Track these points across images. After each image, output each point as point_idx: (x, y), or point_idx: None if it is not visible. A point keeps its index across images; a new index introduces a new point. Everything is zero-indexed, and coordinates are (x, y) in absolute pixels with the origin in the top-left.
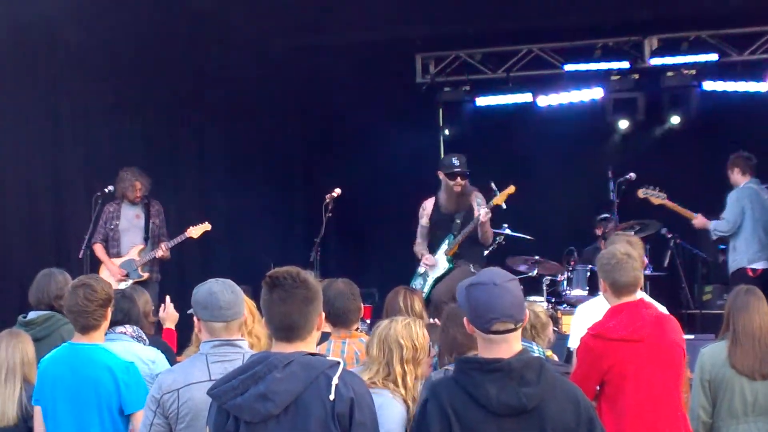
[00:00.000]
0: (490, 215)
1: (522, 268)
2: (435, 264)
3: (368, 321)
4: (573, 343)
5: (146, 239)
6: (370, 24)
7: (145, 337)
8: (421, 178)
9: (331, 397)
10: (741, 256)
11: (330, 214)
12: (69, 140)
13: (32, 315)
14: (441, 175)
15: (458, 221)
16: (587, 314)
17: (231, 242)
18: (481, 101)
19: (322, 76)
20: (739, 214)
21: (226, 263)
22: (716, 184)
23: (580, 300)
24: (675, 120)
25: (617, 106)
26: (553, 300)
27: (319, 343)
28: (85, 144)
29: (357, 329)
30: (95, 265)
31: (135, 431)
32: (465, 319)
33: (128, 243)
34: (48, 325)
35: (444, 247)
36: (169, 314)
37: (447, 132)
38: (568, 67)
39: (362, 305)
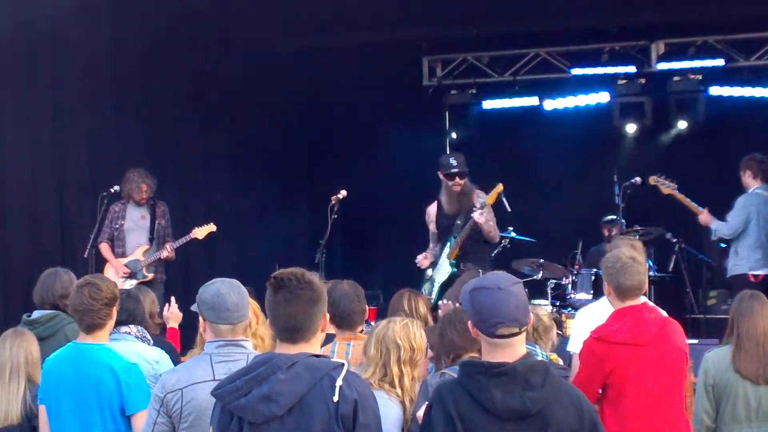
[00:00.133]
0: (484, 214)
1: (527, 271)
2: (429, 263)
3: (373, 323)
4: (572, 347)
5: (151, 240)
6: (376, 26)
7: (149, 337)
8: (426, 180)
9: (335, 398)
10: (742, 262)
11: (335, 216)
12: (73, 140)
13: (36, 314)
14: (441, 176)
15: (459, 222)
16: (588, 318)
17: (235, 243)
18: (488, 104)
19: (328, 77)
20: (744, 221)
21: (231, 264)
22: (722, 189)
23: (585, 303)
24: (681, 125)
25: (624, 110)
26: (557, 303)
27: (323, 345)
28: (89, 144)
29: (362, 331)
30: (100, 264)
31: None
32: (469, 322)
33: (133, 243)
34: (52, 325)
35: (446, 249)
36: (173, 314)
37: (453, 135)
38: (575, 71)
39: (367, 307)
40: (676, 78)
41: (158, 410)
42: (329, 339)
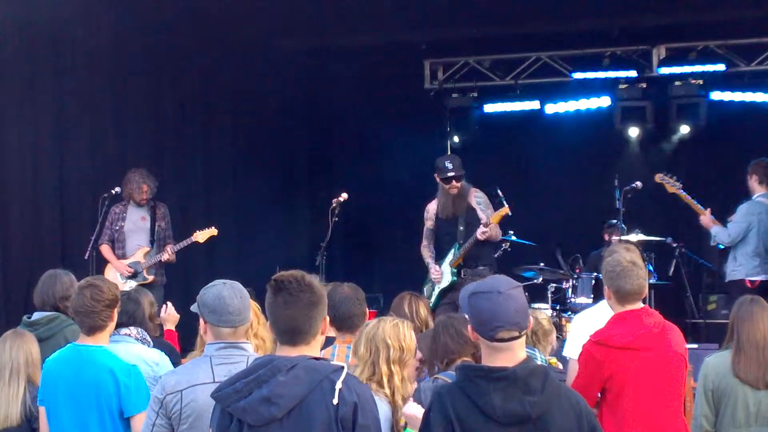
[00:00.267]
0: (487, 234)
1: (527, 275)
2: (441, 275)
3: None
4: (569, 352)
5: (152, 242)
6: (378, 29)
7: (149, 339)
8: (427, 183)
9: (335, 401)
10: (740, 268)
11: (336, 219)
12: (74, 141)
13: (37, 315)
14: (437, 179)
15: (461, 228)
16: (584, 323)
17: (236, 245)
18: (489, 108)
19: (330, 80)
20: (744, 231)
21: (231, 266)
22: (723, 193)
23: (585, 308)
24: (682, 129)
25: (625, 114)
26: (557, 307)
27: (323, 348)
28: (90, 145)
29: None
30: (101, 266)
31: None
32: (469, 326)
33: (133, 245)
34: (52, 326)
35: (449, 257)
36: (170, 315)
37: (454, 138)
38: (576, 75)
39: (367, 310)
40: (677, 83)
41: (157, 412)
42: (329, 342)
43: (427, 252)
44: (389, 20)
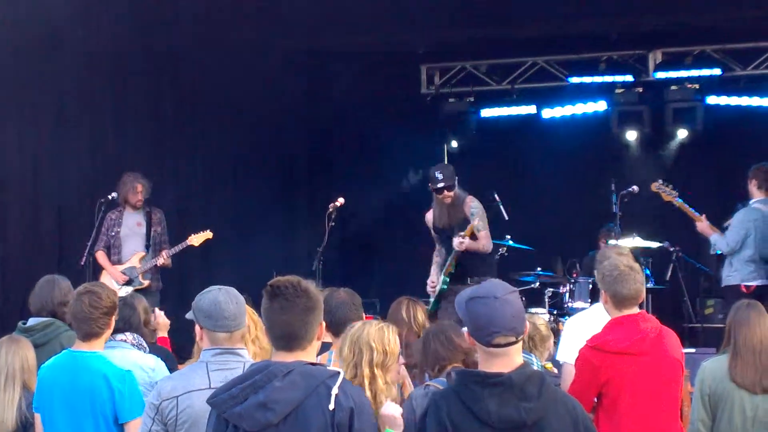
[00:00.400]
0: (465, 244)
1: (524, 279)
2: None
3: None
4: (562, 356)
5: (147, 247)
6: (375, 33)
7: (145, 345)
8: (424, 188)
9: (331, 406)
10: (736, 274)
11: (333, 224)
12: (72, 146)
13: (32, 321)
14: (431, 189)
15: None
16: (577, 328)
17: (233, 250)
18: (486, 112)
19: (328, 84)
20: (742, 238)
21: (228, 271)
22: (720, 197)
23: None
24: (678, 133)
25: (621, 119)
26: (555, 312)
27: (319, 353)
28: (87, 150)
29: None
30: (97, 272)
31: None
32: (466, 332)
33: (129, 250)
34: (47, 332)
35: (445, 266)
36: (159, 323)
37: (451, 143)
38: (573, 80)
39: (364, 315)
40: (673, 87)
41: (153, 418)
42: (326, 347)
43: (434, 259)
44: (386, 25)
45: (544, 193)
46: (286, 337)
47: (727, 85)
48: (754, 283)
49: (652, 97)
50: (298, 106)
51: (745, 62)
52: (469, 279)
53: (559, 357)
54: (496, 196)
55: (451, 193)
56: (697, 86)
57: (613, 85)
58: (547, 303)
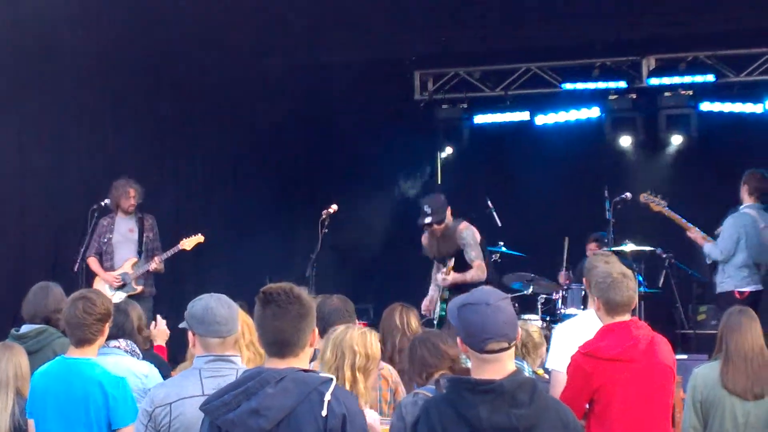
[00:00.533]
0: (448, 280)
1: (517, 286)
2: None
3: None
4: (551, 364)
5: (140, 253)
6: (369, 39)
7: (138, 352)
8: (417, 195)
9: (324, 413)
10: (729, 280)
11: (326, 230)
12: (64, 152)
13: (25, 328)
14: (419, 223)
15: (450, 264)
16: (566, 334)
17: (227, 257)
18: (479, 119)
19: (321, 91)
20: (734, 243)
21: (222, 278)
22: (713, 204)
23: None
24: (672, 140)
25: (615, 125)
26: (548, 318)
27: (312, 360)
28: (84, 154)
29: None
30: (90, 278)
31: None
32: (458, 338)
33: (122, 256)
34: (40, 339)
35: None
36: (160, 331)
37: (445, 149)
38: (566, 86)
39: (357, 321)
40: (666, 93)
41: (146, 425)
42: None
43: (433, 275)
44: (380, 31)
45: (537, 200)
46: (278, 344)
47: (721, 92)
48: (747, 289)
49: (646, 103)
50: (293, 112)
51: (738, 68)
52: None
53: (548, 365)
54: (489, 202)
55: (441, 227)
56: (690, 92)
57: (607, 91)
58: (539, 309)
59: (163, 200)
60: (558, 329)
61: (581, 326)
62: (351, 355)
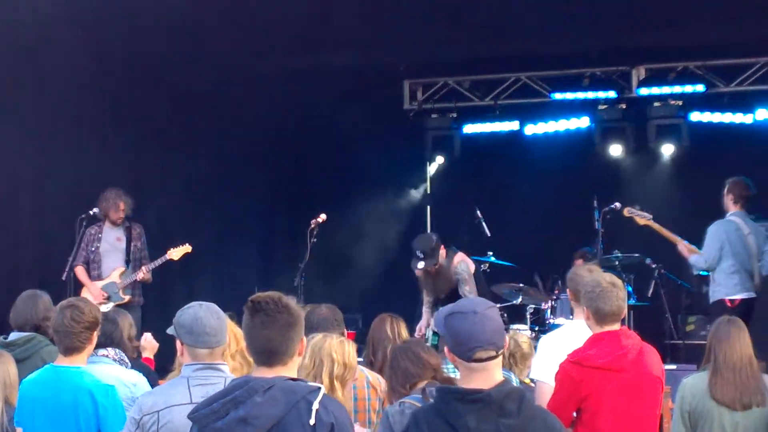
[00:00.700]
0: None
1: (506, 295)
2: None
3: None
4: (535, 374)
5: (127, 262)
6: (358, 49)
7: (127, 360)
8: (406, 204)
9: (311, 421)
10: (719, 289)
11: (315, 240)
12: (53, 161)
13: (13, 336)
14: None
15: (443, 297)
16: (551, 345)
17: (215, 266)
18: (469, 128)
19: (310, 100)
20: (718, 251)
21: (210, 287)
22: (702, 214)
23: None
24: (662, 150)
25: (604, 135)
26: (536, 328)
27: None
28: (69, 165)
29: None
30: (78, 287)
31: None
32: (446, 348)
33: (109, 265)
34: (29, 347)
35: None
36: (149, 343)
37: (434, 159)
38: (556, 96)
39: (345, 331)
40: (656, 103)
41: None
42: None
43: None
44: (370, 40)
45: (526, 210)
46: (266, 353)
47: (711, 102)
48: (738, 297)
49: (636, 113)
50: (282, 121)
51: (728, 79)
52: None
53: (533, 375)
54: (478, 212)
55: (435, 267)
56: (680, 103)
57: (596, 101)
58: (528, 319)
59: (151, 209)
60: (543, 340)
61: (566, 337)
62: (329, 363)
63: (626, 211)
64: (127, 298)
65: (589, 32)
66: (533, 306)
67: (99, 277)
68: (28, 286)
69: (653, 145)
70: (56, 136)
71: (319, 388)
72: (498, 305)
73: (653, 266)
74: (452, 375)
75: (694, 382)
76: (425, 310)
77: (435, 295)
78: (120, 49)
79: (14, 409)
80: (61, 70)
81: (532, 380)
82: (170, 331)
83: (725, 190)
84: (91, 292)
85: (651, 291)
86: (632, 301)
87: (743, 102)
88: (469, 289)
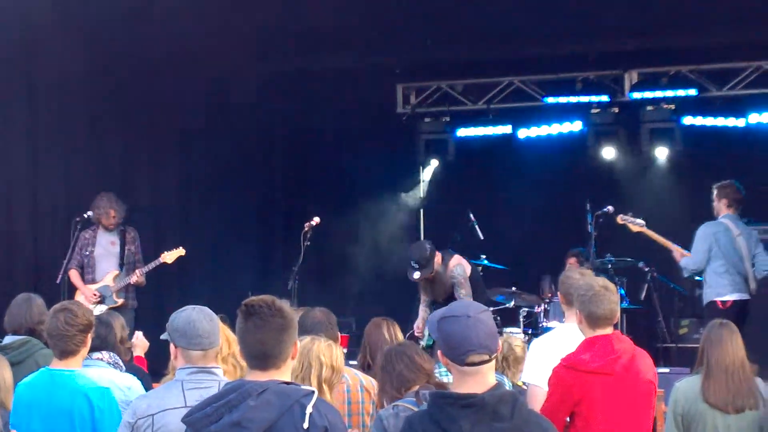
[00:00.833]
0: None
1: (499, 298)
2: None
3: (345, 350)
4: (527, 377)
5: (121, 266)
6: (351, 53)
7: (121, 364)
8: (400, 207)
9: (305, 425)
10: (710, 290)
11: (308, 243)
12: (47, 165)
13: (8, 339)
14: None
15: (442, 301)
16: (542, 348)
17: (209, 270)
18: (462, 132)
19: (303, 103)
20: (706, 251)
21: (204, 290)
22: (695, 217)
23: None
24: (654, 153)
25: (597, 139)
26: (530, 331)
27: None
28: (63, 169)
29: None
30: (72, 290)
31: None
32: (439, 351)
33: (103, 269)
34: (24, 350)
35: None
36: (140, 341)
37: (427, 162)
38: (549, 100)
39: (339, 334)
40: (649, 107)
41: None
42: None
43: (422, 297)
44: (363, 44)
45: (519, 213)
46: (260, 356)
47: (703, 106)
48: (729, 298)
49: (628, 117)
50: (275, 124)
51: (720, 83)
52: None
53: (524, 378)
54: (471, 215)
55: (431, 275)
56: (672, 106)
57: (589, 105)
58: (522, 322)
59: (145, 212)
60: (534, 343)
61: (557, 340)
62: (318, 366)
63: (619, 219)
64: (120, 301)
65: (581, 36)
66: (526, 309)
67: (93, 281)
68: (22, 290)
69: (646, 149)
70: (50, 139)
71: (313, 392)
72: (491, 308)
73: (646, 269)
74: (444, 379)
75: (687, 385)
76: (423, 308)
77: (433, 298)
78: (114, 51)
79: (9, 413)
80: (54, 72)
81: (524, 383)
82: (164, 336)
83: (715, 194)
84: (84, 294)
85: (644, 294)
86: (625, 305)
87: (736, 106)
88: (464, 293)
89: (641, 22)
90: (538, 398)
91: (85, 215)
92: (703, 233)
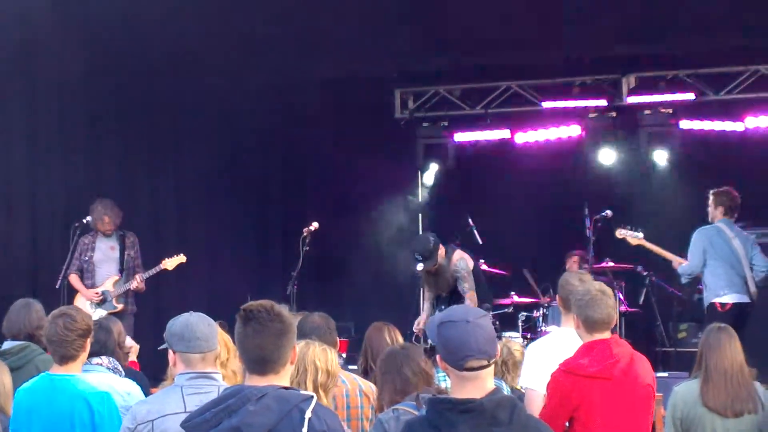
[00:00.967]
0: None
1: (498, 303)
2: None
3: (344, 355)
4: (524, 382)
5: (121, 271)
6: (349, 58)
7: (121, 369)
8: (398, 212)
9: (304, 430)
10: (709, 293)
11: (307, 248)
12: (46, 170)
13: (7, 345)
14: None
15: (445, 295)
16: (539, 353)
17: (208, 275)
18: (460, 137)
19: (301, 108)
20: (701, 255)
21: (203, 295)
22: (694, 221)
23: None
24: (652, 157)
25: (595, 143)
26: (528, 336)
27: None
28: (62, 174)
29: None
30: (72, 295)
31: None
32: (438, 356)
33: (103, 274)
34: (23, 356)
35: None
36: (130, 346)
37: (425, 167)
38: (546, 104)
39: (338, 339)
40: (647, 111)
41: None
42: None
43: (426, 295)
44: (361, 49)
45: (517, 218)
46: (259, 361)
47: (701, 110)
48: (728, 301)
49: (626, 121)
50: (273, 129)
51: (718, 87)
52: None
53: (522, 382)
54: (470, 220)
55: (435, 267)
56: (670, 111)
57: (587, 109)
58: (520, 327)
59: (143, 217)
60: (531, 347)
61: (554, 344)
62: (313, 370)
63: (618, 233)
64: (120, 306)
65: (579, 41)
66: (525, 313)
67: (93, 286)
68: (21, 295)
69: (644, 153)
70: (48, 143)
71: (312, 397)
72: (490, 312)
73: (644, 273)
74: (442, 384)
75: (686, 389)
76: (426, 306)
77: (436, 293)
78: (114, 51)
79: (9, 418)
80: (54, 72)
81: (522, 387)
82: (162, 346)
83: (711, 200)
84: (85, 295)
85: (642, 298)
86: (623, 309)
87: (733, 110)
88: (468, 286)
89: (638, 26)
90: (535, 402)
91: (84, 221)
92: (697, 238)
